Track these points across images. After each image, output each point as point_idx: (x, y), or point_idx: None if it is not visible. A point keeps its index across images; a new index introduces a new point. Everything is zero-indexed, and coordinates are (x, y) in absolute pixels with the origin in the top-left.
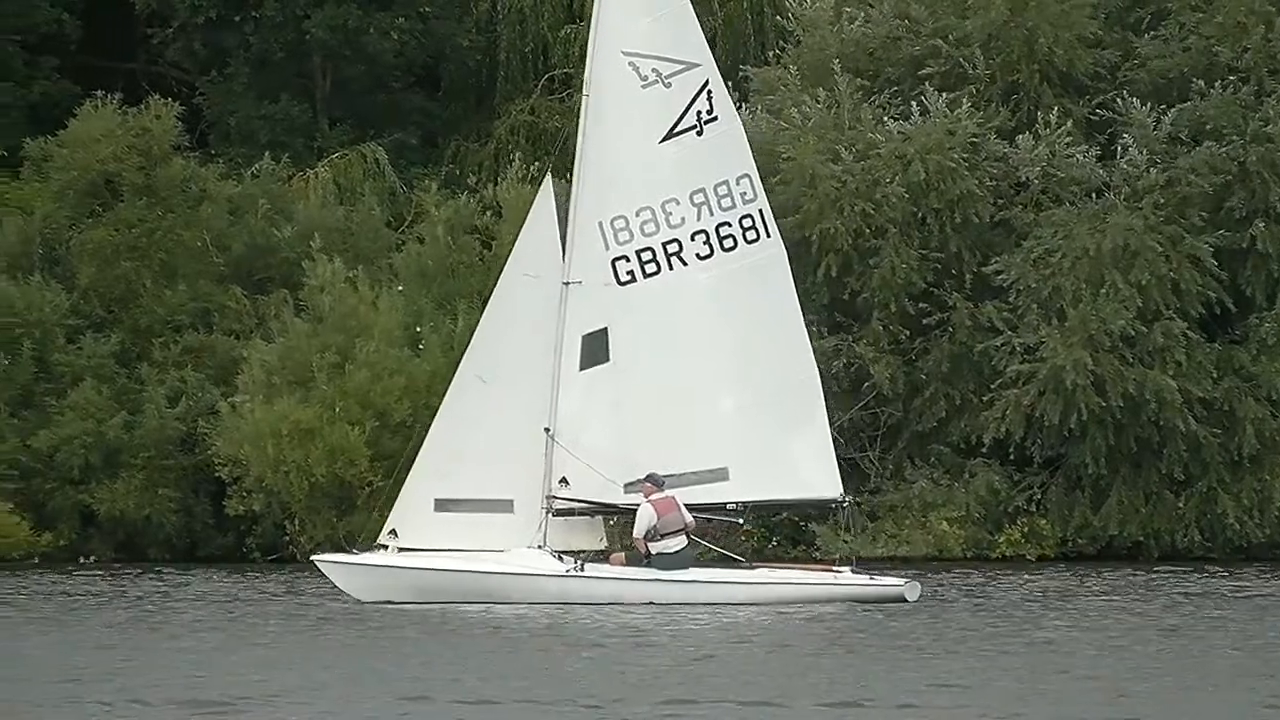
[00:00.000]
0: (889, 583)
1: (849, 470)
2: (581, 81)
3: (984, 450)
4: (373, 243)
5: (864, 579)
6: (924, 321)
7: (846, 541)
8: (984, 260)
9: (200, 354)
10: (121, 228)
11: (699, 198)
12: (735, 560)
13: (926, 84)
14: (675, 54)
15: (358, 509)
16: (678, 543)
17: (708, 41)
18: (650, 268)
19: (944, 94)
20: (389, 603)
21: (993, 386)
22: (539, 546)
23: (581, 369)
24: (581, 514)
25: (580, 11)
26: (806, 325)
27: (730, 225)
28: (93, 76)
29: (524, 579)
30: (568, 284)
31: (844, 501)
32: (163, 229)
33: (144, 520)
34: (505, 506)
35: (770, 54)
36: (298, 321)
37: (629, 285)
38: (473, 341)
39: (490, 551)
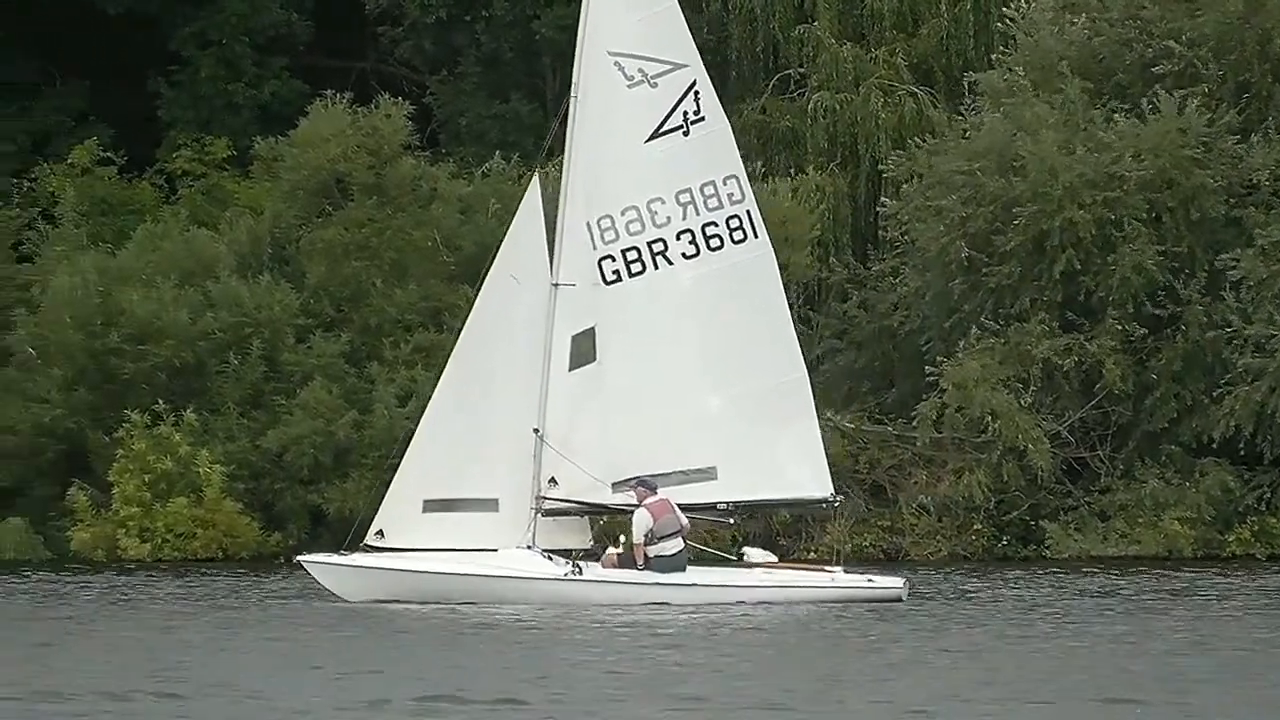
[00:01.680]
0: (885, 583)
1: (1079, 469)
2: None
3: (1214, 448)
4: None
5: (860, 579)
6: (1157, 318)
7: (1076, 540)
8: (1216, 257)
9: (430, 353)
10: (351, 227)
11: (684, 197)
12: (729, 560)
13: (1158, 85)
14: (662, 54)
15: None
16: (674, 545)
17: (937, 44)
18: (635, 267)
19: (1174, 94)
20: (378, 602)
21: (1222, 383)
22: (528, 547)
23: (571, 369)
24: (571, 514)
25: (812, 11)
26: (1040, 324)
27: (717, 225)
28: (322, 76)
29: (520, 582)
30: (557, 285)
31: (834, 501)
32: (392, 228)
33: (373, 520)
34: (490, 506)
35: (993, 57)
36: None
37: (614, 285)
38: (458, 343)
39: (479, 551)
